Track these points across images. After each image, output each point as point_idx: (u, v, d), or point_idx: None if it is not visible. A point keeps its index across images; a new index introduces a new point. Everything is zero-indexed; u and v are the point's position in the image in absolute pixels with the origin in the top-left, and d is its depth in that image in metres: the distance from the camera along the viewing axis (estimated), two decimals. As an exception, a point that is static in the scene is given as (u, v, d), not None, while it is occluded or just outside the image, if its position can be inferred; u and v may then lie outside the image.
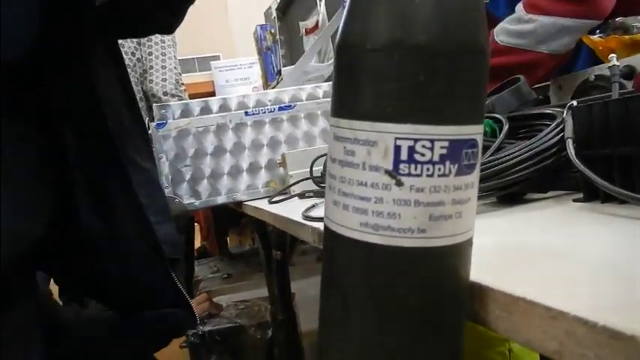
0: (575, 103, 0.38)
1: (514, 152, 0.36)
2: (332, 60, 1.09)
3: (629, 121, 0.30)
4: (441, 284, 0.18)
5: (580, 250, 0.24)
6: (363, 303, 0.18)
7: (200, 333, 1.07)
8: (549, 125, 0.41)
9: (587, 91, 0.67)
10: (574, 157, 0.31)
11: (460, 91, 0.16)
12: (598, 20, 0.73)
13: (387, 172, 0.17)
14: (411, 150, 0.16)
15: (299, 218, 0.54)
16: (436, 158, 0.17)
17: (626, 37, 0.68)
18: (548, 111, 0.43)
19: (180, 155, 0.96)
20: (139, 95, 1.69)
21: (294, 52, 1.69)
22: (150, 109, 1.77)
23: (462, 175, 0.17)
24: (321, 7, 1.26)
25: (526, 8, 0.74)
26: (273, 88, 2.24)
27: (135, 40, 1.67)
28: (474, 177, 0.18)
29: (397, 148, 0.17)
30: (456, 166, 0.17)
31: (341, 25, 0.18)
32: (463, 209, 0.18)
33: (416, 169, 0.17)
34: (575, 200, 0.34)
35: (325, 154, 0.70)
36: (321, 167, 0.81)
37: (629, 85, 0.62)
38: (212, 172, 0.98)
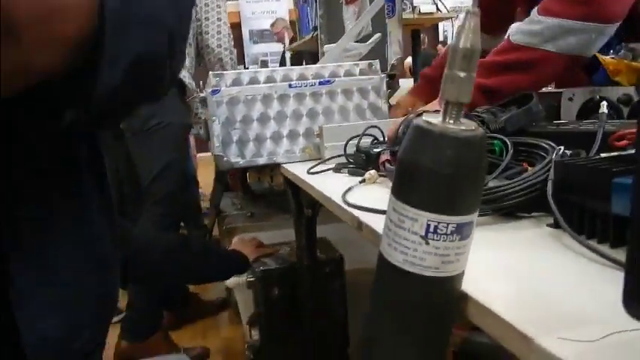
0: (562, 149, 0.51)
1: (510, 184, 0.49)
2: (371, 40, 1.18)
3: (597, 182, 0.42)
4: (445, 297, 0.32)
5: (530, 269, 0.38)
6: (396, 304, 0.32)
7: (263, 269, 1.28)
8: (544, 157, 0.54)
9: (592, 109, 0.77)
10: (550, 198, 0.44)
11: (465, 202, 0.30)
12: (608, 23, 0.78)
13: (421, 236, 0.31)
14: (435, 227, 0.30)
15: (338, 199, 0.68)
16: (449, 232, 0.30)
17: (634, 63, 0.77)
18: (544, 145, 0.55)
19: (230, 119, 1.09)
20: (190, 48, 1.79)
21: (331, 16, 1.76)
22: (198, 60, 1.87)
23: (462, 240, 0.31)
24: (364, -19, 1.33)
25: (539, 11, 0.82)
26: (306, 41, 2.30)
27: None
28: (469, 239, 0.32)
29: (428, 226, 0.30)
30: (460, 235, 0.31)
31: (406, 146, 0.31)
32: (460, 257, 0.32)
33: (436, 237, 0.30)
34: (548, 225, 0.47)
35: (357, 136, 0.84)
36: (354, 145, 0.94)
37: (626, 110, 0.73)
38: (257, 135, 1.11)
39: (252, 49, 7.61)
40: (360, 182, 0.76)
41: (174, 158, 1.72)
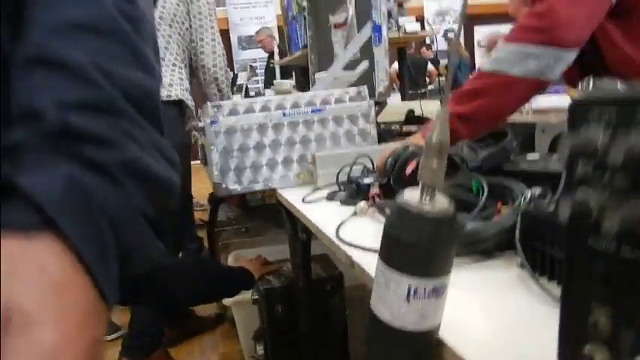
0: (529, 194, 0.57)
1: (484, 228, 0.55)
2: (359, 70, 1.25)
3: (554, 231, 0.48)
4: (424, 346, 0.38)
5: (499, 313, 0.44)
6: (384, 350, 0.39)
7: (266, 288, 1.34)
8: (515, 198, 0.60)
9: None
10: (517, 243, 0.51)
11: (440, 268, 0.36)
12: (565, 49, 0.83)
13: (403, 298, 0.37)
14: (415, 290, 0.37)
15: (332, 234, 0.74)
16: (427, 292, 0.37)
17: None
18: (514, 188, 0.62)
19: (227, 148, 1.15)
20: (184, 70, 1.85)
21: (320, 36, 1.82)
22: (191, 74, 1.93)
23: (437, 299, 0.37)
24: (351, 9, 1.39)
25: (503, 39, 0.88)
26: (296, 57, 2.36)
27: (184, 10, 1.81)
28: (444, 297, 0.38)
29: (409, 288, 0.37)
30: (436, 295, 0.37)
31: (390, 222, 0.37)
32: (437, 312, 0.38)
33: (416, 297, 0.37)
34: (518, 265, 0.53)
35: (348, 165, 0.90)
36: (345, 174, 1.00)
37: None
38: (253, 163, 1.17)
39: (241, 56, 7.66)
40: (352, 215, 0.82)
41: None
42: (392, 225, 0.37)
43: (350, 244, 0.67)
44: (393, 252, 0.37)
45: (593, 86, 0.29)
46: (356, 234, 0.73)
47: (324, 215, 0.88)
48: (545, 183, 0.64)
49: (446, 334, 0.40)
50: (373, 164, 1.01)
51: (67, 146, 0.30)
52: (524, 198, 0.57)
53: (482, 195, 0.64)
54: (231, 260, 1.97)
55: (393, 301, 0.38)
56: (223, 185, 1.15)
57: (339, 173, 1.00)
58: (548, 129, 0.87)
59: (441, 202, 0.37)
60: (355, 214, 0.83)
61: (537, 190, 0.63)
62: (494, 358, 0.37)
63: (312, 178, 1.15)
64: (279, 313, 1.37)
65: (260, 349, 1.44)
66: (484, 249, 0.56)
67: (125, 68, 0.34)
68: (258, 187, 1.17)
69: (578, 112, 0.27)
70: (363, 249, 0.65)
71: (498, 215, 0.61)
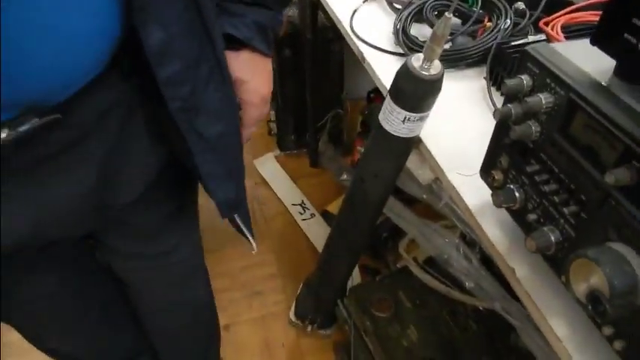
0: (510, 17, 0.73)
1: (468, 48, 0.73)
2: None
3: (510, 62, 0.67)
4: (407, 145, 0.63)
5: (459, 117, 0.68)
6: (382, 147, 0.64)
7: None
8: (501, 15, 0.76)
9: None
10: (488, 65, 0.70)
11: (426, 107, 0.58)
12: None
13: (400, 120, 0.60)
14: (409, 117, 0.59)
15: (347, 24, 0.90)
16: (415, 119, 0.59)
17: None
18: (500, 7, 0.76)
19: None
20: None
21: None
22: None
23: (420, 122, 0.60)
24: None
25: None
26: None
27: None
28: (424, 121, 0.61)
29: (405, 116, 0.59)
30: (420, 121, 0.60)
31: (398, 74, 0.57)
32: (419, 129, 0.62)
33: (408, 121, 0.60)
34: (484, 77, 0.73)
35: None
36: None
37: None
38: None
39: None
40: (364, 2, 0.95)
41: None
42: (401, 78, 0.57)
43: (364, 41, 0.84)
44: (398, 94, 0.58)
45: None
46: (367, 25, 0.89)
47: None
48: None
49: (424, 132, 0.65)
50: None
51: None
52: (505, 21, 0.73)
53: (474, 13, 0.78)
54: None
55: (394, 121, 0.60)
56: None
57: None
58: None
59: (435, 68, 0.55)
60: (366, 0, 0.95)
61: (521, 5, 0.79)
62: (443, 146, 0.63)
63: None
64: (287, 56, 1.58)
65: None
66: (466, 63, 0.75)
67: None
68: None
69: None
70: (374, 47, 0.83)
71: (483, 31, 0.77)
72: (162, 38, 0.47)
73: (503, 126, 0.48)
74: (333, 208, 1.57)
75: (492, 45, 0.72)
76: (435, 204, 0.96)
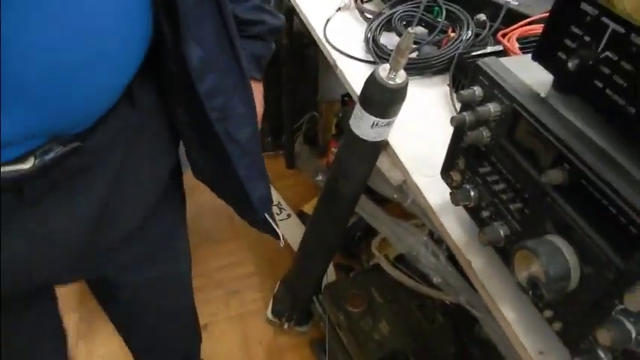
0: (471, 28, 0.78)
1: (433, 56, 0.78)
2: None
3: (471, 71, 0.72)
4: (375, 150, 0.68)
5: (426, 122, 0.73)
6: (352, 150, 0.68)
7: None
8: (462, 25, 0.82)
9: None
10: (450, 73, 0.75)
11: (393, 113, 0.63)
12: None
13: (369, 126, 0.64)
14: (377, 123, 0.64)
15: (320, 32, 0.94)
16: (382, 125, 0.64)
17: None
18: (462, 18, 0.82)
19: None
20: None
21: None
22: None
23: (388, 127, 0.65)
24: None
25: None
26: None
27: None
28: (391, 126, 0.66)
29: (373, 121, 0.64)
30: (387, 126, 0.65)
31: (366, 83, 0.61)
32: (387, 133, 0.66)
33: (377, 127, 0.64)
34: (448, 85, 0.79)
35: None
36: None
37: None
38: None
39: None
40: (337, 10, 0.99)
41: None
42: (369, 87, 0.61)
43: (336, 49, 0.89)
44: (367, 101, 0.63)
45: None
46: (340, 33, 0.93)
47: (311, 3, 1.04)
48: (491, 9, 0.85)
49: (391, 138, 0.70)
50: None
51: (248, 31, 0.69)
52: (467, 32, 0.79)
53: (439, 24, 0.84)
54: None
55: (363, 126, 0.65)
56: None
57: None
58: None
59: (401, 77, 0.60)
60: (339, 9, 1.00)
61: (482, 17, 0.84)
62: (409, 149, 0.68)
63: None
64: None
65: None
66: (431, 72, 0.80)
67: None
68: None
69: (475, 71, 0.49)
70: (346, 55, 0.87)
71: (447, 40, 0.83)
72: (201, 55, 0.52)
73: (459, 131, 0.53)
74: (309, 208, 1.61)
75: (455, 55, 0.78)
76: (405, 203, 1.01)
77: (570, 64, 0.40)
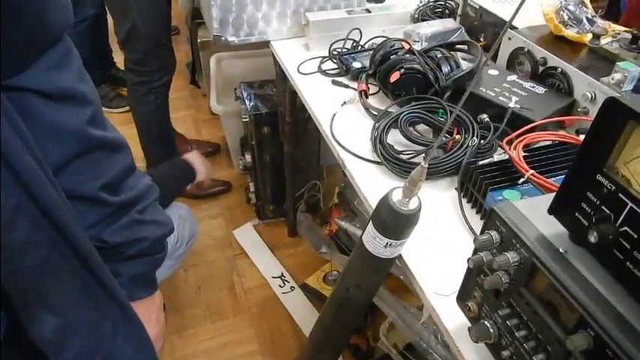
0: (476, 136, 0.80)
1: (440, 162, 0.80)
2: None
3: (481, 186, 0.74)
4: (388, 264, 0.68)
5: (435, 231, 0.74)
6: (366, 267, 0.69)
7: (255, 113, 1.57)
8: (468, 129, 0.84)
9: (515, 57, 1.01)
10: (458, 182, 0.77)
11: (406, 234, 0.63)
12: None
13: (383, 246, 0.65)
14: (390, 244, 0.64)
15: (327, 127, 0.96)
16: (395, 245, 0.65)
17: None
18: (468, 122, 0.84)
19: (226, 2, 1.22)
20: None
21: None
22: None
23: (400, 246, 0.65)
24: None
25: None
26: None
27: None
28: (404, 245, 0.66)
29: (387, 242, 0.64)
30: (400, 245, 0.65)
31: (379, 206, 0.62)
32: (399, 250, 0.67)
33: (390, 247, 0.65)
34: (455, 189, 0.80)
35: (342, 39, 1.07)
36: (338, 47, 1.14)
37: (541, 68, 0.97)
38: (249, 17, 1.26)
39: None
40: (342, 105, 1.02)
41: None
42: (382, 210, 0.62)
43: (344, 148, 0.90)
44: (381, 224, 0.63)
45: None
46: (346, 128, 0.95)
47: (317, 96, 1.07)
48: (494, 109, 0.87)
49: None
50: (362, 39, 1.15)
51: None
52: (473, 139, 0.81)
53: (446, 125, 0.86)
54: (213, 62, 2.11)
55: (376, 245, 0.65)
56: (222, 38, 1.25)
57: (330, 47, 1.14)
58: (503, 46, 1.02)
59: (414, 203, 0.61)
60: (344, 103, 1.02)
61: (485, 117, 0.86)
62: (422, 262, 0.68)
63: (303, 31, 1.26)
64: (266, 133, 1.65)
65: (248, 157, 1.75)
66: (438, 176, 0.81)
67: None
68: (254, 38, 1.28)
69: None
70: (353, 154, 0.89)
71: (452, 143, 0.84)
72: (56, 324, 0.43)
73: (475, 268, 0.53)
74: (313, 281, 1.60)
75: (462, 161, 0.79)
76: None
77: (591, 237, 0.40)
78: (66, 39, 0.49)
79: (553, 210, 0.46)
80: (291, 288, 1.62)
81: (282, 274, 1.67)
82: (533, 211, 0.49)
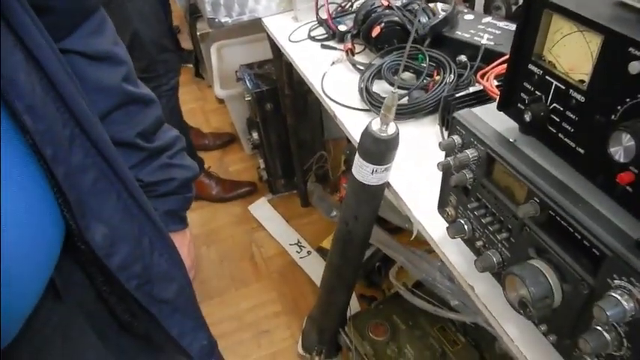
0: (454, 72, 0.86)
1: (421, 100, 0.86)
2: None
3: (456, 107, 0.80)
4: (379, 192, 0.76)
5: (420, 159, 0.80)
6: (357, 195, 0.76)
7: (257, 91, 1.65)
8: (446, 68, 0.90)
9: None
10: (439, 114, 0.83)
11: (389, 159, 0.71)
12: None
13: (369, 173, 0.72)
14: (375, 170, 0.71)
15: (319, 86, 1.04)
16: (381, 170, 0.72)
17: None
18: (445, 62, 0.90)
19: (216, -15, 1.29)
20: None
21: None
22: None
23: (386, 172, 0.73)
24: None
25: None
26: None
27: None
28: (390, 170, 0.73)
29: (372, 169, 0.71)
30: (386, 172, 0.72)
31: (362, 136, 0.69)
32: (386, 177, 0.74)
33: (376, 173, 0.72)
34: (438, 124, 0.86)
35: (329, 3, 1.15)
36: (323, 11, 1.20)
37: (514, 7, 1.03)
38: (240, -4, 1.33)
39: None
40: (331, 65, 1.09)
41: None
42: (365, 139, 0.69)
43: (334, 101, 0.98)
44: (364, 152, 0.71)
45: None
46: (336, 85, 1.02)
47: (308, 60, 1.14)
48: (470, 50, 0.93)
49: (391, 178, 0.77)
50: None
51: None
52: (450, 76, 0.87)
53: (424, 71, 0.92)
54: (214, 51, 2.19)
55: (364, 174, 0.73)
56: (216, 20, 1.33)
57: (318, 9, 1.21)
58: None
59: (391, 129, 0.68)
60: (333, 63, 1.09)
61: (463, 58, 0.93)
62: (409, 186, 0.75)
63: (292, 4, 1.33)
64: (269, 109, 1.72)
65: (255, 135, 1.84)
66: (421, 114, 0.88)
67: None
68: (246, 17, 1.35)
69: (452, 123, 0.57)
70: (343, 105, 0.96)
71: (433, 84, 0.91)
72: (105, 233, 0.50)
73: (447, 173, 0.61)
74: (327, 243, 1.68)
75: (441, 98, 0.86)
76: (415, 233, 1.08)
77: (526, 116, 0.47)
78: (101, 10, 0.59)
79: (501, 106, 0.52)
80: (307, 252, 1.70)
81: (299, 241, 1.75)
82: (487, 113, 0.56)
